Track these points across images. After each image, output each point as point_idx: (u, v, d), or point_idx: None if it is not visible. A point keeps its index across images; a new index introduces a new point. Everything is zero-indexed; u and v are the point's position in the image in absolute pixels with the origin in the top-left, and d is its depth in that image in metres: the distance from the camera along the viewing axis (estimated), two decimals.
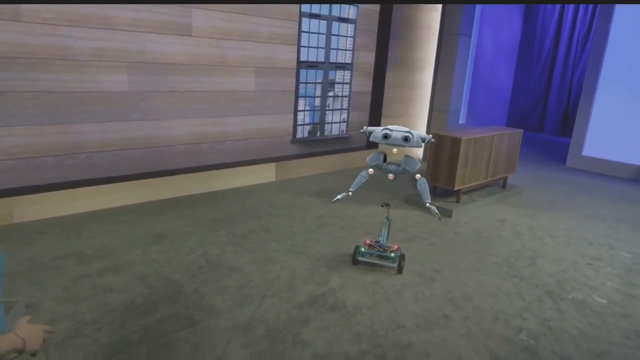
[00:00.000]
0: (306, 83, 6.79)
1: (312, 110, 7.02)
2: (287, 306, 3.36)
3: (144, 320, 3.05)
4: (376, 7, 7.46)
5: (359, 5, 7.12)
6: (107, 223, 4.64)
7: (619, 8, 8.18)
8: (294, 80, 6.59)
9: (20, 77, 4.31)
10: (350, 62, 7.31)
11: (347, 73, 7.33)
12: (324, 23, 6.74)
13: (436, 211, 3.77)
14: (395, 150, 3.76)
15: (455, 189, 5.62)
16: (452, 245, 4.73)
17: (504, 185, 6.67)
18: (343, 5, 6.90)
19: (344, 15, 6.98)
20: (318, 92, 7.02)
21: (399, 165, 3.84)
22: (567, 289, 3.95)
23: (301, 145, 7.00)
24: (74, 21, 4.49)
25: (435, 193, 5.90)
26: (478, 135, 5.75)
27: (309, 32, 6.58)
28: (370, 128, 3.82)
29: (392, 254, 3.98)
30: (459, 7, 7.69)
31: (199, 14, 5.33)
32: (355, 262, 4.07)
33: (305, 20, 6.48)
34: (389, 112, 8.13)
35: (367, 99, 7.81)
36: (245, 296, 3.45)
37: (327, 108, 7.21)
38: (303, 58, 6.62)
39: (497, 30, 11.53)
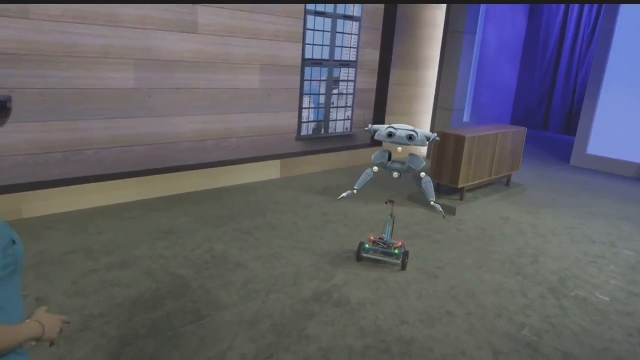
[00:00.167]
0: (311, 81, 6.82)
1: (317, 107, 7.05)
2: (293, 301, 3.40)
3: (151, 315, 3.10)
4: (381, 5, 7.47)
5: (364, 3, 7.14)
6: (114, 219, 4.69)
7: (623, 8, 8.17)
8: (298, 78, 6.62)
9: (28, 75, 4.36)
10: (355, 59, 7.33)
11: (352, 71, 7.36)
12: (329, 21, 6.77)
13: (440, 209, 3.80)
14: (400, 149, 3.79)
15: (459, 186, 5.64)
16: (455, 242, 4.76)
17: (507, 184, 6.69)
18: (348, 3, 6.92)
19: (349, 13, 7.00)
20: (323, 90, 7.04)
21: (403, 164, 3.86)
22: (570, 287, 3.97)
23: (306, 143, 7.04)
24: (81, 19, 4.54)
25: (439, 191, 5.93)
26: (482, 133, 5.78)
27: (314, 30, 6.61)
28: (375, 126, 3.85)
29: (396, 251, 4.01)
30: (464, 6, 7.70)
31: (204, 12, 5.36)
32: (359, 258, 4.10)
33: (310, 18, 6.50)
34: (394, 110, 8.16)
35: (372, 97, 7.83)
36: (251, 291, 3.49)
37: (331, 106, 7.24)
38: (308, 56, 6.65)
39: (501, 29, 11.51)
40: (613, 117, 8.45)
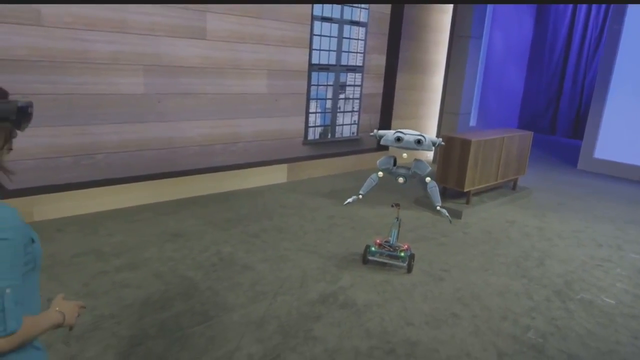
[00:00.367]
0: (317, 85, 6.88)
1: (324, 112, 7.11)
2: (299, 303, 3.44)
3: (160, 315, 3.15)
4: (387, 10, 7.53)
5: (370, 8, 7.20)
6: (123, 222, 4.76)
7: (631, 10, 8.18)
8: (305, 83, 6.69)
9: (40, 80, 4.45)
10: (361, 64, 7.39)
11: (358, 75, 7.41)
12: (335, 26, 6.83)
13: (446, 214, 3.83)
14: (405, 154, 3.83)
15: (465, 190, 5.66)
16: (461, 245, 4.79)
17: (514, 187, 6.70)
18: (354, 8, 6.99)
19: (355, 18, 7.06)
20: (329, 95, 7.10)
21: (409, 169, 3.90)
22: (575, 290, 3.98)
23: (312, 147, 7.09)
24: (91, 25, 4.62)
25: (445, 194, 5.95)
26: (488, 137, 5.80)
27: (320, 35, 6.67)
28: (381, 132, 3.89)
29: (402, 254, 4.04)
30: (470, 10, 7.73)
31: (213, 18, 5.44)
32: (365, 261, 4.14)
33: (317, 24, 6.57)
34: (400, 114, 8.20)
35: (378, 101, 7.88)
36: (258, 293, 3.54)
37: (338, 110, 7.29)
38: (315, 61, 6.72)
39: (508, 32, 11.54)
40: (620, 121, 8.44)
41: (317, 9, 6.53)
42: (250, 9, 5.75)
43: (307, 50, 6.56)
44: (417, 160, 3.88)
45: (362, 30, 7.22)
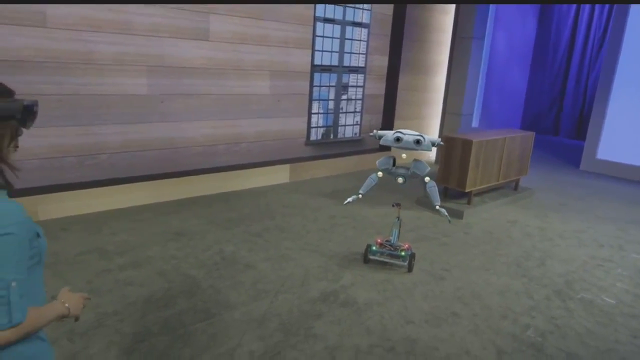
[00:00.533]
0: (320, 86, 6.92)
1: (326, 113, 7.15)
2: (300, 301, 3.47)
3: (163, 313, 3.19)
4: (389, 11, 7.56)
5: (372, 9, 7.23)
6: (127, 221, 4.80)
7: (634, 10, 8.17)
8: (308, 84, 6.72)
9: (45, 81, 4.51)
10: (363, 65, 7.42)
11: (361, 76, 7.44)
12: (337, 27, 6.87)
13: (446, 213, 3.85)
14: (404, 155, 3.86)
15: (467, 190, 5.68)
16: (462, 245, 4.81)
17: (515, 188, 6.72)
18: (357, 9, 7.02)
19: (358, 19, 7.10)
20: (332, 95, 7.14)
21: (408, 169, 3.93)
22: (576, 289, 4.00)
23: (315, 148, 7.13)
24: (96, 27, 4.68)
25: (447, 195, 5.98)
26: (489, 137, 5.82)
27: (322, 37, 6.71)
28: (381, 132, 3.92)
29: (403, 253, 4.07)
30: (472, 11, 7.75)
31: (216, 19, 5.49)
32: (366, 260, 4.17)
33: (319, 25, 6.61)
34: (402, 114, 8.22)
35: (380, 102, 7.91)
36: (260, 291, 3.57)
37: (340, 111, 7.32)
38: (317, 62, 6.75)
39: (511, 33, 11.54)
40: (623, 122, 8.43)
41: (320, 10, 6.57)
42: (253, 11, 5.79)
43: (310, 51, 6.60)
44: (416, 161, 3.91)
45: (364, 31, 7.25)
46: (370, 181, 4.03)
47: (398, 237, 4.20)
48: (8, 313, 1.19)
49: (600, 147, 8.71)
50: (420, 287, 3.83)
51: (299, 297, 3.53)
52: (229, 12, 5.58)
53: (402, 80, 8.06)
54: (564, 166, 9.14)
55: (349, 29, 7.02)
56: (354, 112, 7.53)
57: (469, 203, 5.84)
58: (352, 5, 6.92)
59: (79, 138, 4.83)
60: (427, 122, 8.82)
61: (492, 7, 9.85)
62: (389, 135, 3.85)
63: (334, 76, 7.07)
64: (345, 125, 7.47)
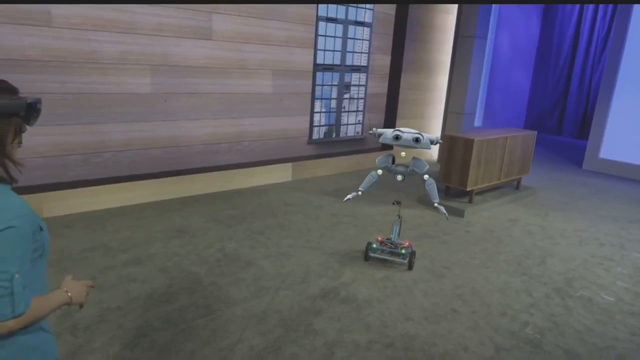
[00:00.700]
0: (322, 85, 6.95)
1: (328, 112, 7.18)
2: (300, 298, 3.50)
3: (165, 308, 3.23)
4: (392, 11, 7.58)
5: (374, 8, 7.26)
6: (130, 218, 4.85)
7: (637, 10, 8.16)
8: (310, 83, 6.75)
9: (50, 79, 4.56)
10: (365, 64, 7.45)
11: (363, 75, 7.47)
12: (340, 27, 6.90)
13: (444, 211, 3.88)
14: (403, 153, 3.89)
15: (468, 189, 5.70)
16: (463, 243, 4.83)
17: (517, 187, 6.73)
18: (359, 9, 7.05)
19: (360, 18, 7.12)
20: (334, 94, 7.17)
21: (407, 166, 3.96)
22: (575, 287, 4.02)
23: (317, 146, 7.16)
24: (100, 26, 4.73)
25: (449, 193, 6.01)
26: (491, 136, 5.84)
27: (325, 36, 6.74)
28: (380, 130, 3.95)
29: (403, 251, 4.10)
30: (475, 10, 7.76)
31: (218, 19, 5.53)
32: (367, 258, 4.20)
33: (321, 24, 6.64)
34: (404, 114, 8.25)
35: (383, 101, 7.94)
36: (261, 288, 3.61)
37: (342, 110, 7.35)
38: (319, 61, 6.78)
39: (514, 33, 11.54)
40: (626, 121, 8.42)
41: (322, 9, 6.60)
42: (256, 10, 5.83)
43: (312, 51, 6.63)
44: (415, 159, 3.94)
45: (366, 30, 7.28)
46: (370, 179, 4.06)
47: (398, 234, 4.23)
48: (11, 304, 1.23)
49: (603, 146, 8.70)
50: (420, 285, 3.86)
51: (299, 294, 3.56)
52: (232, 12, 5.62)
53: (405, 80, 8.09)
54: (566, 165, 9.14)
55: (351, 28, 7.05)
56: (356, 111, 7.56)
57: (470, 202, 5.86)
58: (355, 4, 6.94)
59: (83, 136, 4.89)
60: (429, 122, 8.84)
61: (495, 6, 9.85)
62: (388, 133, 3.88)
63: (337, 75, 7.10)
64: (347, 124, 7.50)
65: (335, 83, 7.13)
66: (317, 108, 6.99)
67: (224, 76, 5.76)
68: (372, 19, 7.30)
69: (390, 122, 7.99)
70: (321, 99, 7.01)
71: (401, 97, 8.11)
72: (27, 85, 4.39)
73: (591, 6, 11.65)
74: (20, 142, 1.39)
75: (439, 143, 3.85)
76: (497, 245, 4.83)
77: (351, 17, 6.99)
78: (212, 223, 4.88)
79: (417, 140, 3.77)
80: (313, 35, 6.58)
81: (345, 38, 7.03)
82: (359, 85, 7.46)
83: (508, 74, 11.93)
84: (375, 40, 7.45)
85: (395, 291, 3.72)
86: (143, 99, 5.20)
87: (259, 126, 6.30)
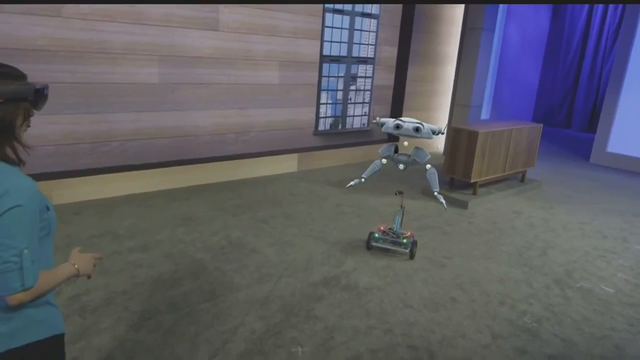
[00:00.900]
0: (329, 77, 6.99)
1: (334, 103, 7.21)
2: (302, 285, 3.58)
3: (170, 293, 3.32)
4: (399, 2, 7.57)
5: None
6: (137, 206, 4.94)
7: None
8: (316, 74, 6.79)
9: (59, 69, 4.64)
10: (372, 56, 7.46)
11: (370, 67, 7.49)
12: (347, 18, 6.91)
13: (442, 200, 3.93)
14: (406, 143, 3.94)
15: (472, 181, 5.73)
16: (465, 234, 4.87)
17: (522, 179, 6.74)
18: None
19: (367, 10, 7.13)
20: (340, 86, 7.20)
21: (409, 156, 4.01)
22: (575, 278, 4.05)
23: (323, 137, 7.21)
24: (109, 17, 4.79)
25: (453, 185, 6.04)
26: (496, 129, 5.85)
27: (332, 27, 6.76)
28: (383, 119, 4.00)
29: (405, 240, 4.15)
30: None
31: (225, 10, 5.58)
32: (369, 247, 4.26)
33: (328, 16, 6.66)
34: (411, 106, 8.26)
35: (389, 93, 7.95)
36: (264, 275, 3.68)
37: (349, 101, 7.39)
38: (326, 52, 6.81)
39: (523, 26, 11.46)
40: (634, 115, 8.37)
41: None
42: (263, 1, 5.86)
43: (319, 42, 6.66)
44: (417, 149, 3.99)
45: (373, 22, 7.29)
46: (373, 166, 4.12)
47: (401, 224, 4.28)
48: (21, 277, 1.31)
49: (611, 140, 8.66)
50: (420, 274, 3.91)
51: (301, 281, 3.63)
52: (239, 3, 5.66)
53: (411, 72, 8.09)
54: (573, 159, 9.12)
55: (358, 19, 7.06)
56: (363, 102, 7.59)
57: (474, 193, 5.89)
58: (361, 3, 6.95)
59: (92, 125, 4.97)
60: (435, 114, 8.84)
61: None
62: (390, 122, 3.93)
63: (343, 67, 7.13)
64: (353, 116, 7.53)
65: (342, 74, 7.16)
66: (323, 99, 7.03)
67: (230, 67, 5.81)
68: (379, 11, 7.30)
69: (396, 114, 8.00)
70: (327, 90, 7.04)
71: (408, 89, 8.13)
72: (37, 74, 4.43)
73: None
74: (28, 126, 1.46)
75: (442, 133, 3.89)
76: (499, 237, 4.87)
77: (358, 8, 7.00)
78: (218, 212, 4.96)
79: (417, 129, 3.82)
80: (320, 27, 6.61)
81: (352, 29, 7.05)
82: (365, 77, 7.48)
83: (517, 67, 11.87)
84: (382, 31, 7.46)
85: (396, 279, 3.78)
86: (151, 89, 5.27)
87: (265, 117, 6.36)
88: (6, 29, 4.28)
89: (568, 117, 12.69)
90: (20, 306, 1.35)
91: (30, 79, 1.45)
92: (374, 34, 7.36)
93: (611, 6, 11.44)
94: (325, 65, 6.88)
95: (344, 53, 7.06)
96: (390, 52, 7.72)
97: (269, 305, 3.27)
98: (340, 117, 7.38)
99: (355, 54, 7.21)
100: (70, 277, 1.49)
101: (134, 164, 5.33)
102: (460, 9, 8.37)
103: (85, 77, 4.81)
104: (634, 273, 4.24)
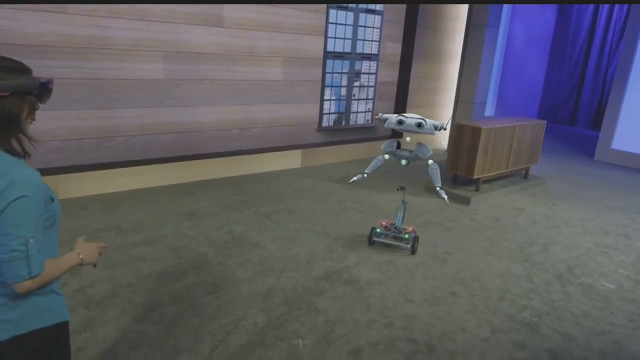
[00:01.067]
0: (332, 73, 7.01)
1: (338, 99, 7.24)
2: (304, 279, 3.61)
3: (173, 286, 3.36)
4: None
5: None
6: (142, 201, 4.99)
7: None
8: (320, 70, 6.82)
9: (65, 65, 4.69)
10: (376, 52, 7.47)
11: (373, 63, 7.50)
12: (351, 14, 6.93)
13: (444, 195, 3.95)
14: (408, 138, 3.97)
15: (475, 177, 5.74)
16: (467, 230, 4.89)
17: (525, 176, 6.74)
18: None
19: (371, 7, 7.14)
20: (344, 82, 7.22)
21: (411, 152, 4.04)
22: (576, 274, 4.06)
23: (327, 134, 7.23)
24: (114, 13, 4.84)
25: (456, 181, 6.05)
26: (499, 125, 5.86)
27: (336, 24, 6.78)
28: (386, 115, 4.03)
29: (407, 236, 4.18)
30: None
31: (230, 6, 5.61)
32: (371, 242, 4.29)
33: (332, 12, 6.68)
34: (415, 102, 8.27)
35: (393, 89, 7.97)
36: (266, 269, 3.72)
37: (352, 98, 7.41)
38: (330, 48, 6.83)
39: (529, 22, 11.43)
40: (639, 112, 8.34)
41: None
42: None
43: (323, 38, 6.68)
44: (419, 144, 4.02)
45: (377, 18, 7.30)
46: (376, 162, 4.15)
47: (402, 220, 4.31)
48: (28, 266, 1.35)
49: (616, 137, 8.64)
50: (421, 269, 3.94)
51: (303, 275, 3.67)
52: (242, 3, 5.68)
53: (415, 68, 8.10)
54: (578, 156, 9.10)
55: (362, 16, 7.07)
56: (366, 99, 7.61)
57: (477, 190, 5.90)
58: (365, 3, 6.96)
59: (98, 121, 5.02)
60: (439, 110, 8.84)
61: None
62: (392, 118, 3.95)
63: (347, 63, 7.15)
64: (357, 112, 7.55)
65: (346, 71, 7.18)
66: (327, 96, 7.05)
67: (235, 63, 5.85)
68: (383, 7, 7.31)
69: (400, 111, 8.02)
70: (331, 86, 7.06)
71: (412, 85, 8.13)
72: (43, 70, 4.51)
73: None
74: (33, 119, 1.49)
75: (444, 129, 3.91)
76: (502, 233, 4.88)
77: (362, 5, 7.01)
78: (222, 207, 5.00)
79: (419, 125, 3.84)
80: (324, 23, 6.63)
81: (356, 26, 7.06)
82: (369, 73, 7.50)
83: (522, 64, 11.84)
84: (386, 28, 7.47)
85: (397, 274, 3.81)
86: (155, 85, 5.31)
87: (269, 113, 6.39)
88: (12, 26, 4.33)
89: (573, 114, 12.66)
90: (27, 294, 1.40)
91: (35, 75, 1.48)
92: (378, 30, 7.37)
93: (617, 4, 11.38)
94: (329, 62, 6.90)
95: (348, 49, 7.08)
96: (395, 49, 7.73)
97: (271, 298, 3.31)
98: (344, 114, 7.40)
99: (359, 50, 7.23)
100: (75, 265, 1.53)
101: (139, 159, 5.38)
102: (464, 5, 8.36)
103: (90, 73, 4.85)
104: (635, 269, 4.25)
